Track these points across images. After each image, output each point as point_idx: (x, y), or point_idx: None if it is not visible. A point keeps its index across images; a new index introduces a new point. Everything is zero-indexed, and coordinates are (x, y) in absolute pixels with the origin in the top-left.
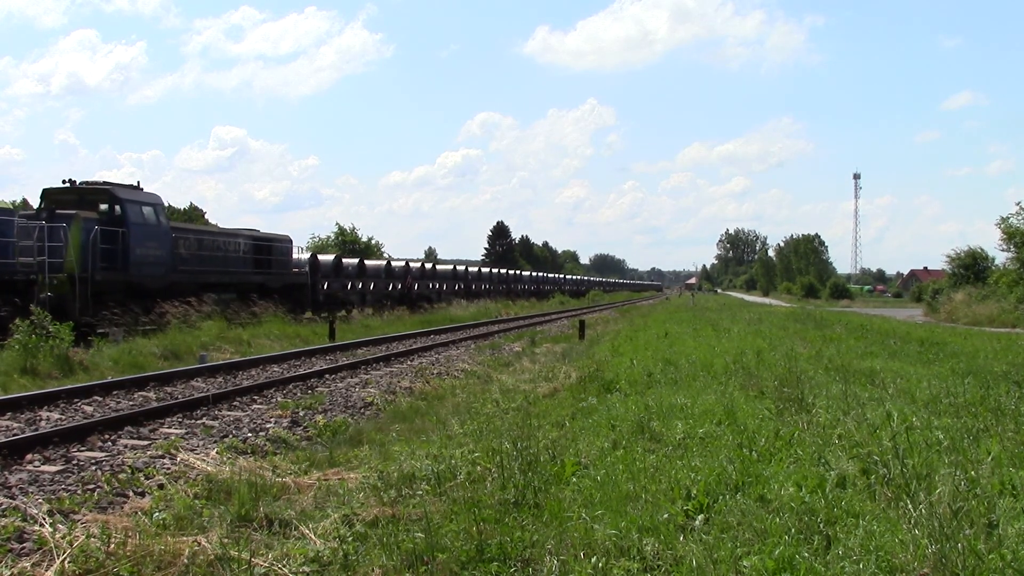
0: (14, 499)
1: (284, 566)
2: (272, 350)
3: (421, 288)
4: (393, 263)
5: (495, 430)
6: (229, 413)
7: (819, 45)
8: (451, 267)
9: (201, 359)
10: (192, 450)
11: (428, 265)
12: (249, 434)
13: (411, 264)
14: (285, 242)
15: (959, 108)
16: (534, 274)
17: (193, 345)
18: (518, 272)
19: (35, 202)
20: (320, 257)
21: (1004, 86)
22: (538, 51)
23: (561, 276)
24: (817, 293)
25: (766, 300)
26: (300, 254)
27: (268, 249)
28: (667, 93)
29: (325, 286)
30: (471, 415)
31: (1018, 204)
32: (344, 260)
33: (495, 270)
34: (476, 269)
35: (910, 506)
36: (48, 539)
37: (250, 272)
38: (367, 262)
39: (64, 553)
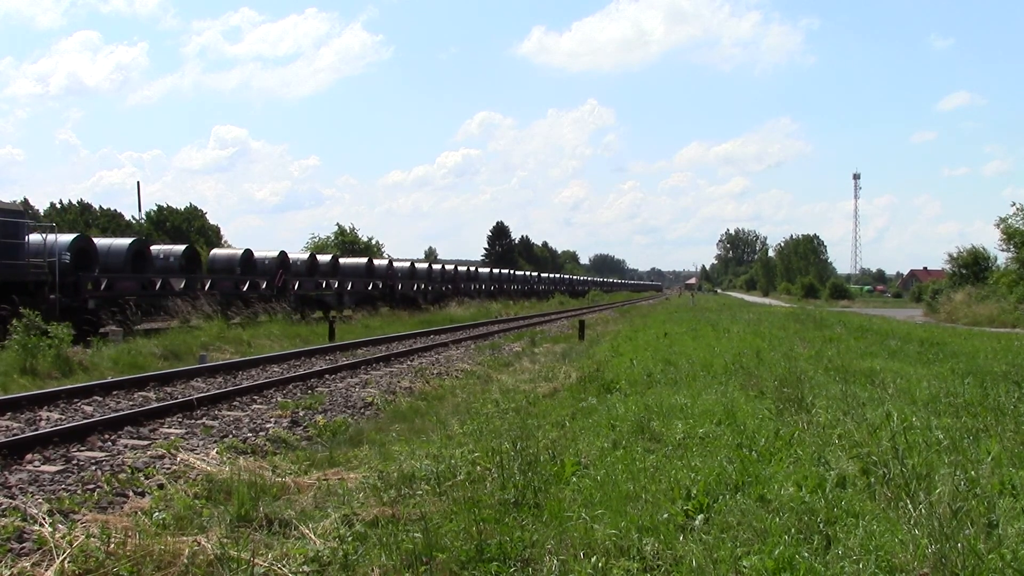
0: (14, 499)
1: (284, 566)
2: (272, 350)
3: (307, 287)
4: (258, 253)
5: (495, 430)
6: (229, 413)
7: (814, 47)
8: (364, 260)
9: (201, 359)
10: (192, 450)
11: (325, 258)
12: (249, 434)
13: (292, 256)
14: (6, 215)
15: (954, 109)
16: (497, 271)
17: (193, 345)
18: (452, 268)
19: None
20: (101, 242)
21: (998, 87)
22: (533, 52)
23: (559, 276)
24: (817, 293)
25: (766, 300)
26: (54, 235)
27: None
28: (664, 93)
29: (103, 286)
30: (471, 415)
31: (1014, 205)
32: (158, 248)
33: (443, 267)
34: (408, 265)
35: (910, 506)
36: (48, 539)
37: None
38: (218, 251)
39: (64, 553)
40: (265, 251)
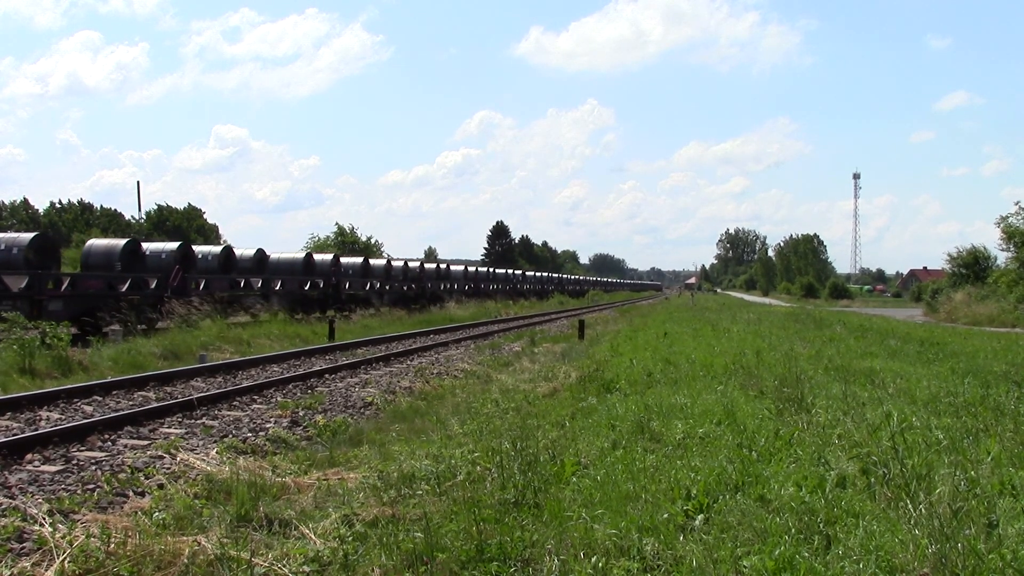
0: (14, 499)
1: (284, 566)
2: (272, 350)
3: (218, 287)
4: (151, 246)
5: (495, 430)
6: (229, 413)
7: (812, 47)
8: (301, 256)
9: (201, 359)
10: (192, 450)
11: (248, 253)
12: (249, 434)
13: (201, 250)
14: None
15: (952, 109)
16: (473, 270)
17: (193, 345)
18: (417, 266)
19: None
20: None
21: (996, 86)
22: (531, 52)
23: (549, 275)
24: (816, 293)
25: (766, 300)
26: None
27: None
28: (663, 93)
29: None
30: (471, 415)
31: (1017, 204)
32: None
33: (406, 264)
34: (360, 261)
35: (910, 506)
36: (48, 539)
37: None
38: (96, 242)
39: (64, 553)
40: (161, 244)
